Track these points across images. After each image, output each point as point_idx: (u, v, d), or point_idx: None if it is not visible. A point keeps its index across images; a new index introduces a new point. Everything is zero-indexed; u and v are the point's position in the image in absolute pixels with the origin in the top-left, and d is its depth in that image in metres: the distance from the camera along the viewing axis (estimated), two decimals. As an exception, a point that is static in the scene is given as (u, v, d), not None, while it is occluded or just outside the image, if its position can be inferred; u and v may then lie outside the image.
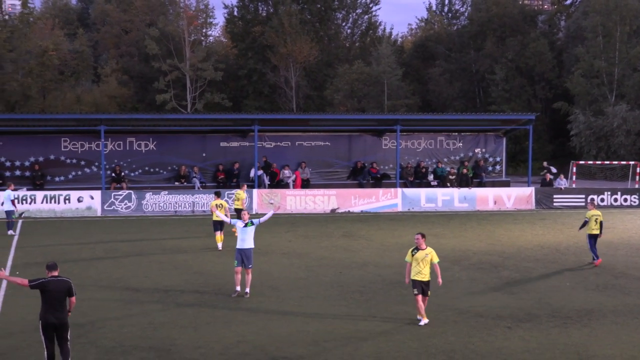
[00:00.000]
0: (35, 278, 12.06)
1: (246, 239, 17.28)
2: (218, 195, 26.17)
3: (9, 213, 27.51)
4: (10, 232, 27.24)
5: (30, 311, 15.61)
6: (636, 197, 38.69)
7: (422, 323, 14.76)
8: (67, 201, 33.90)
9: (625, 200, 38.64)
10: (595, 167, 49.54)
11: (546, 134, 67.13)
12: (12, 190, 28.50)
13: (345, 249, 24.50)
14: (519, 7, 76.44)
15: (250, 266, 17.28)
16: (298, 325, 14.73)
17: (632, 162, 45.34)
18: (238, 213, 27.25)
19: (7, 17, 71.57)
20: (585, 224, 22.38)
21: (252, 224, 17.43)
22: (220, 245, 24.31)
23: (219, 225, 24.37)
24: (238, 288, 17.21)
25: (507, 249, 24.54)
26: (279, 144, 38.98)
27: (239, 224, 17.41)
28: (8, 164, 36.23)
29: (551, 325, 14.85)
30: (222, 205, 24.57)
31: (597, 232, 22.08)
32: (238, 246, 17.29)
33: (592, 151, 58.70)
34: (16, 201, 27.62)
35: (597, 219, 22.14)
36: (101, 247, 24.55)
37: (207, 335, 14.00)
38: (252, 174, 36.61)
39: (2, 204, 27.74)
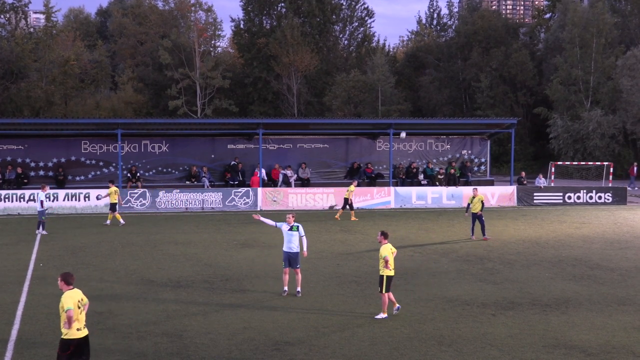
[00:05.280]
0: None
1: (293, 241, 16.25)
2: (112, 182, 30.30)
3: (40, 213, 26.59)
4: (43, 232, 26.28)
5: (54, 300, 15.62)
6: (609, 195, 38.68)
7: (379, 316, 14.41)
8: (86, 199, 33.89)
9: (600, 197, 38.62)
10: (572, 168, 49.53)
11: (527, 137, 67.10)
12: (45, 191, 27.48)
13: (342, 243, 24.49)
14: (502, 20, 76.43)
15: (298, 266, 16.35)
16: (299, 313, 14.72)
17: (606, 163, 45.35)
18: (346, 202, 31.19)
19: (32, 29, 71.52)
20: (468, 206, 25.80)
21: (297, 229, 16.36)
22: (108, 222, 28.91)
23: (115, 206, 29.21)
24: (286, 288, 16.43)
25: (492, 243, 24.53)
26: (281, 146, 38.99)
27: (285, 227, 16.32)
28: (33, 164, 36.25)
29: (532, 313, 14.84)
30: (116, 192, 29.41)
31: (477, 210, 25.21)
32: (285, 249, 16.31)
33: (570, 153, 58.67)
34: (44, 202, 26.93)
35: (481, 199, 25.40)
36: (118, 241, 24.52)
37: (215, 322, 13.99)
38: (259, 174, 36.57)
39: (42, 204, 26.96)
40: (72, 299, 10.06)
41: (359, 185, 37.90)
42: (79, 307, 10.12)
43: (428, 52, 74.57)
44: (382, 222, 30.38)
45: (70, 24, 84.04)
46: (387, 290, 14.37)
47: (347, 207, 31.82)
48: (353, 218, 31.29)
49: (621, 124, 57.78)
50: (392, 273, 14.44)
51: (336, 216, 31.50)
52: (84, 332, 10.16)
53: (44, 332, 13.28)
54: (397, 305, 14.61)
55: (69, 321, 9.93)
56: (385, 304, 14.42)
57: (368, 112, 65.79)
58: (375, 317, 14.37)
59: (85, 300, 10.42)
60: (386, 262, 14.28)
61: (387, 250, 14.43)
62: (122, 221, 29.03)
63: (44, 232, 26.32)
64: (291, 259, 16.30)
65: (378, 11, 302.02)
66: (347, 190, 31.93)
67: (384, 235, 14.70)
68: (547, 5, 79.98)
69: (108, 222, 29.12)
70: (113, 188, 29.51)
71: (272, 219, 17.07)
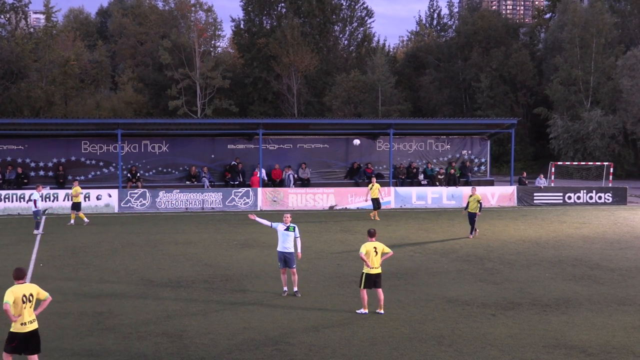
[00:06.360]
0: None
1: (288, 241, 16.14)
2: (77, 182, 30.99)
3: (35, 213, 26.56)
4: (41, 231, 26.24)
5: (54, 300, 15.59)
6: (610, 195, 38.67)
7: (359, 311, 14.64)
8: (87, 199, 33.85)
9: (600, 198, 38.62)
10: (572, 168, 49.50)
11: (527, 137, 67.12)
12: (40, 191, 27.57)
13: (342, 243, 24.49)
14: (503, 20, 76.50)
15: (294, 266, 16.19)
16: (300, 313, 14.72)
17: (606, 163, 45.31)
18: (374, 202, 31.70)
19: (32, 30, 71.53)
20: (468, 204, 26.04)
21: (293, 229, 16.27)
22: (72, 221, 29.14)
23: (78, 206, 29.52)
24: (286, 288, 16.38)
25: (492, 243, 24.53)
26: (281, 146, 38.98)
27: (281, 227, 16.23)
28: (33, 164, 36.25)
29: (532, 313, 14.83)
30: (78, 191, 29.69)
31: (476, 211, 25.58)
32: (279, 249, 16.24)
33: (570, 153, 58.68)
34: (38, 202, 26.80)
35: (478, 200, 25.75)
36: (118, 241, 24.52)
37: (215, 322, 13.98)
38: (259, 174, 36.54)
39: (35, 203, 26.84)
40: (14, 294, 10.10)
41: (358, 185, 38.03)
42: (24, 302, 10.14)
43: (428, 52, 74.60)
44: (382, 222, 30.38)
45: (70, 24, 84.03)
46: (365, 287, 14.52)
47: (376, 205, 31.93)
48: (375, 217, 31.40)
49: (621, 124, 57.78)
50: (370, 271, 14.50)
51: (373, 216, 31.49)
52: (31, 327, 10.24)
53: (44, 332, 13.24)
54: (365, 310, 14.52)
55: (7, 314, 10.05)
56: (364, 300, 14.54)
57: (368, 112, 65.79)
58: (357, 311, 14.59)
59: (44, 295, 10.55)
60: (361, 258, 14.54)
61: (364, 247, 14.61)
62: (80, 221, 29.18)
63: (42, 232, 26.25)
64: (286, 259, 16.24)
65: (378, 11, 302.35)
66: (376, 190, 31.79)
67: (369, 233, 14.94)
68: (547, 5, 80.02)
69: (86, 220, 29.28)
70: (78, 188, 29.81)
71: (269, 219, 17.06)
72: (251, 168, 37.62)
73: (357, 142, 30.69)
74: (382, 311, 14.57)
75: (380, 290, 14.63)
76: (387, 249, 14.83)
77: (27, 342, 10.27)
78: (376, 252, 14.57)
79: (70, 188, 34.67)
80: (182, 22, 74.61)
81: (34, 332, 10.34)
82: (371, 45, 76.31)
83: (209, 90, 66.36)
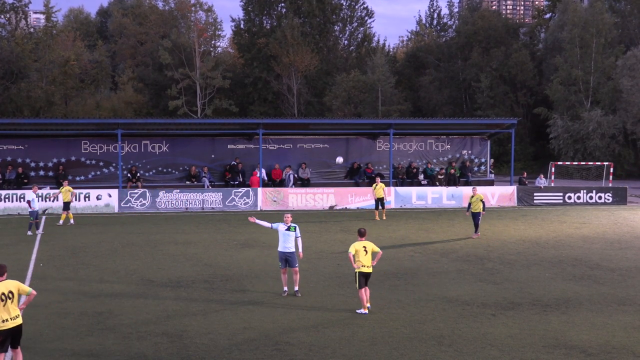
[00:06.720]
0: None
1: (289, 241, 16.10)
2: (67, 181, 31.02)
3: (30, 214, 26.37)
4: (38, 231, 26.22)
5: (54, 300, 15.61)
6: (610, 195, 38.66)
7: (359, 311, 14.67)
8: (87, 199, 33.88)
9: (600, 197, 38.60)
10: (572, 168, 49.50)
11: (527, 137, 67.13)
12: (35, 192, 27.43)
13: (342, 243, 24.45)
14: (503, 20, 76.53)
15: (296, 266, 16.14)
16: (300, 313, 14.72)
17: (606, 163, 45.29)
18: (377, 202, 31.57)
19: (32, 30, 71.55)
20: (470, 205, 26.06)
21: (294, 229, 16.21)
22: (72, 221, 29.00)
23: (68, 205, 29.21)
24: (286, 288, 16.36)
25: (492, 243, 24.52)
26: (281, 146, 38.97)
27: (281, 227, 16.17)
28: (33, 164, 36.24)
29: (532, 313, 14.83)
30: (70, 191, 29.43)
31: (480, 210, 25.66)
32: (280, 249, 16.19)
33: (570, 153, 58.69)
34: (32, 202, 26.60)
35: (481, 199, 25.84)
36: (118, 241, 24.51)
37: (215, 322, 13.98)
38: (259, 173, 36.55)
39: (29, 204, 26.73)
40: None
41: (358, 185, 38.03)
42: (4, 300, 10.12)
43: (428, 52, 74.61)
44: (382, 222, 30.37)
45: (70, 24, 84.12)
46: (360, 287, 14.56)
47: (380, 205, 31.76)
48: (376, 217, 31.28)
49: (621, 124, 57.79)
50: (363, 269, 14.54)
51: (383, 217, 31.36)
52: (13, 324, 10.20)
53: (44, 332, 13.27)
54: (365, 310, 14.53)
55: None
56: (363, 300, 14.56)
57: (368, 112, 65.79)
58: (356, 311, 14.61)
59: (26, 291, 10.56)
60: (349, 259, 14.64)
61: (352, 247, 14.65)
62: (65, 220, 28.96)
63: (30, 233, 26.00)
64: (288, 259, 16.22)
65: (378, 11, 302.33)
66: (380, 189, 31.55)
67: (359, 232, 14.94)
68: (547, 5, 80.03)
69: (61, 222, 28.87)
70: (66, 187, 29.51)
71: (268, 220, 17.06)
72: (251, 168, 37.62)
73: (339, 160, 30.95)
74: (369, 304, 14.70)
75: (367, 288, 14.70)
76: (377, 248, 14.85)
77: (13, 337, 10.27)
78: (366, 252, 14.62)
79: (73, 188, 34.75)
80: (182, 22, 74.61)
81: (18, 328, 10.29)
82: (371, 45, 76.31)
83: (209, 90, 66.38)
